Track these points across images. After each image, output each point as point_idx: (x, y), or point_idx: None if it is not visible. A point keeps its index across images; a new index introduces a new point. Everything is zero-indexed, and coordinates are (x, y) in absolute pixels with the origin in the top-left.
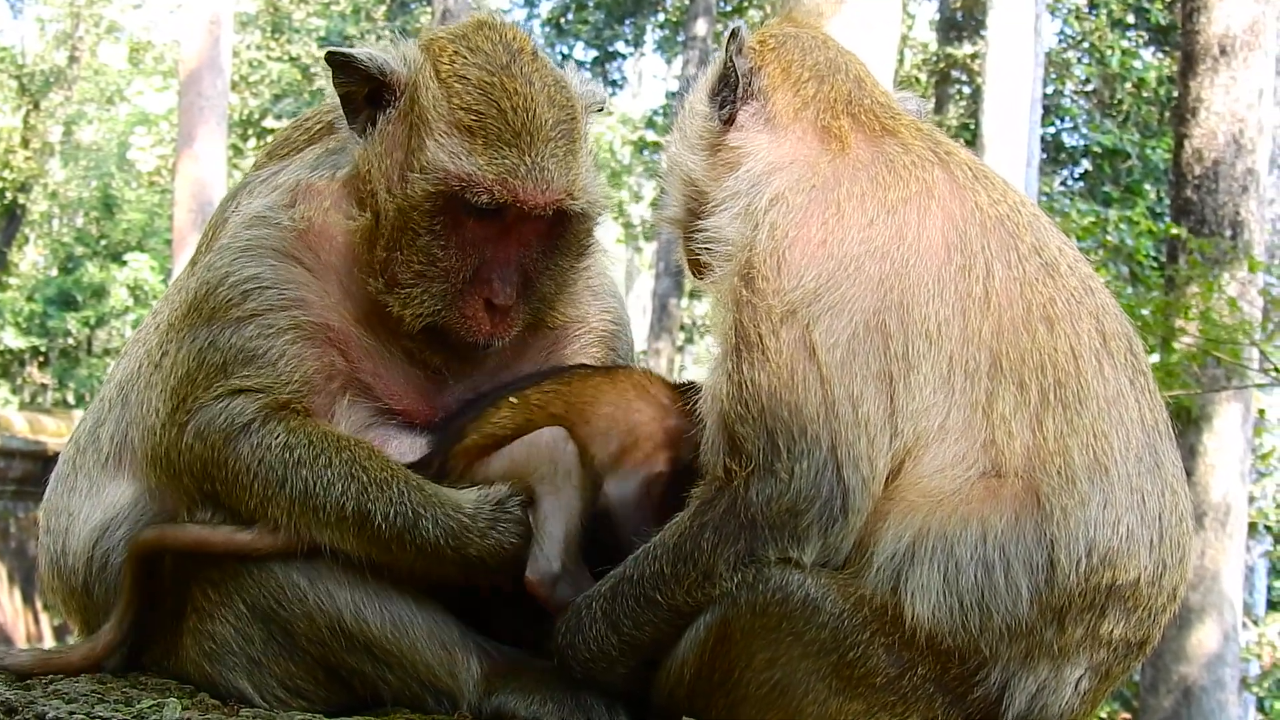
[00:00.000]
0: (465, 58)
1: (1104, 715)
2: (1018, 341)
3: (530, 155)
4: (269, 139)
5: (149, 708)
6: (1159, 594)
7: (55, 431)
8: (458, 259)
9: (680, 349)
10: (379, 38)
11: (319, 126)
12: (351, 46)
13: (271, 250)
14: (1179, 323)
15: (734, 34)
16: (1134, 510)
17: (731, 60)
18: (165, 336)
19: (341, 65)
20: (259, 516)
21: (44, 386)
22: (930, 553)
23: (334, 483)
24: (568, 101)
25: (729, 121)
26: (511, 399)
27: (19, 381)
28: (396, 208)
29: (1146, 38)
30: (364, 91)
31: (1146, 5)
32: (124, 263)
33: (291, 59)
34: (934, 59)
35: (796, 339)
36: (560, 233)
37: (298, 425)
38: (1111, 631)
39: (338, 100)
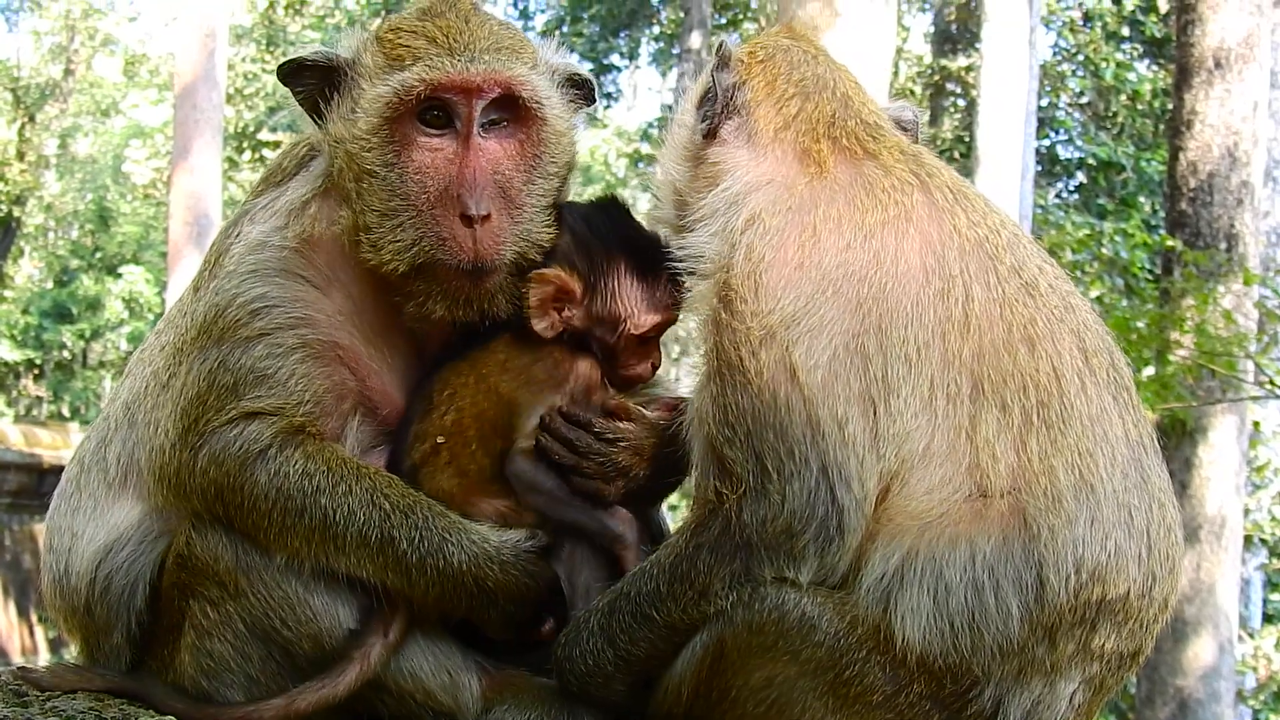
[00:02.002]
0: (402, 18)
1: None
2: (998, 363)
3: (459, 54)
4: (265, 165)
5: None
6: (1150, 605)
7: (50, 444)
8: (418, 182)
9: (676, 360)
10: None
11: (305, 150)
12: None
13: (278, 270)
14: (1174, 335)
15: (719, 47)
16: (1121, 526)
17: (714, 75)
18: (174, 359)
19: (294, 73)
20: (276, 546)
21: (39, 399)
22: (919, 575)
23: (355, 510)
24: (512, 37)
25: (711, 135)
26: (439, 437)
27: (14, 394)
28: (348, 156)
29: (1141, 50)
30: (321, 92)
31: (1141, 18)
32: (119, 275)
33: None
34: (929, 71)
35: (777, 360)
36: (523, 139)
37: (315, 451)
38: (1103, 645)
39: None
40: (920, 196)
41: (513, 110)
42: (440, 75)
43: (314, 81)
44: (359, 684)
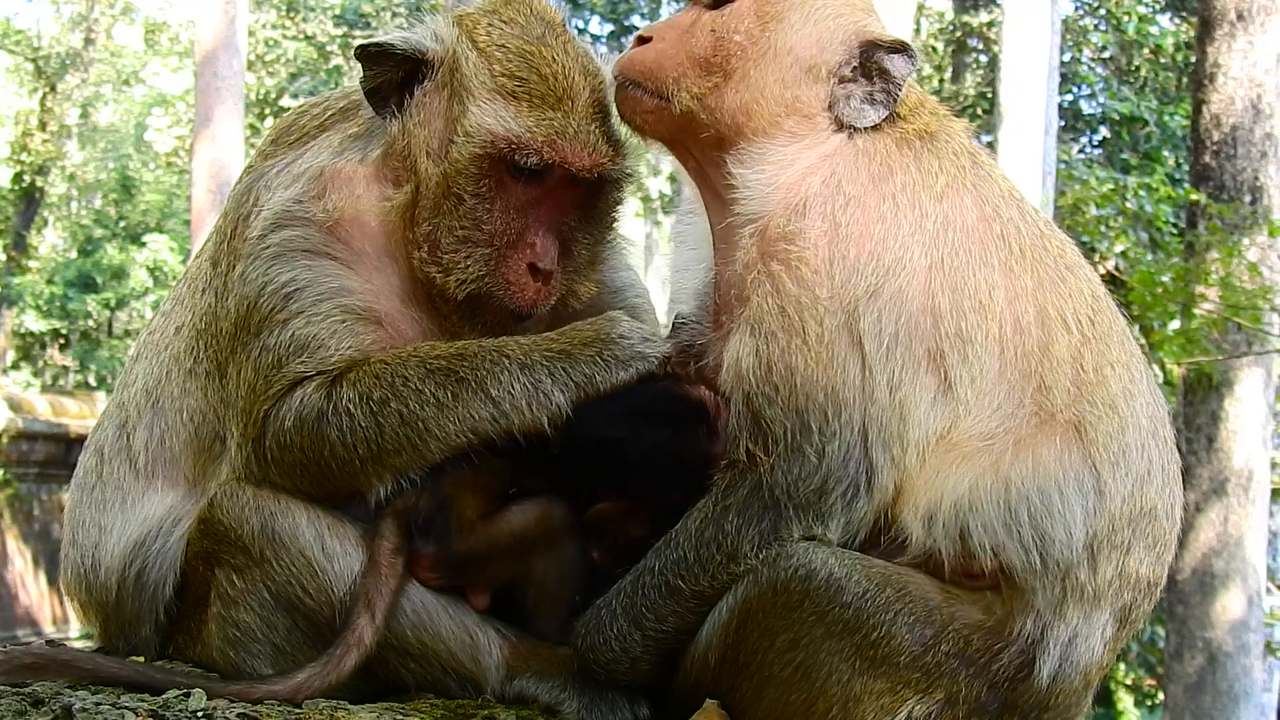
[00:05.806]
0: (502, 29)
1: (1129, 682)
2: (1056, 287)
3: (574, 118)
4: (273, 125)
5: (175, 697)
6: (1172, 526)
7: (77, 414)
8: (501, 223)
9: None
10: (394, 15)
11: (330, 113)
12: (372, 32)
13: (303, 252)
14: (1199, 289)
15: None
16: (1153, 438)
17: (905, 61)
18: (196, 342)
19: (374, 57)
20: (389, 471)
21: (65, 369)
22: (989, 491)
23: (421, 390)
24: (597, 71)
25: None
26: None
27: (40, 364)
28: (441, 174)
29: (1163, 3)
30: (398, 77)
31: None
32: (143, 244)
33: (307, 38)
34: (950, 28)
35: (841, 326)
36: (596, 200)
37: (355, 376)
38: (1137, 569)
39: (354, 87)
40: (968, 160)
41: (599, 182)
42: (556, 154)
43: (392, 66)
44: (360, 665)
